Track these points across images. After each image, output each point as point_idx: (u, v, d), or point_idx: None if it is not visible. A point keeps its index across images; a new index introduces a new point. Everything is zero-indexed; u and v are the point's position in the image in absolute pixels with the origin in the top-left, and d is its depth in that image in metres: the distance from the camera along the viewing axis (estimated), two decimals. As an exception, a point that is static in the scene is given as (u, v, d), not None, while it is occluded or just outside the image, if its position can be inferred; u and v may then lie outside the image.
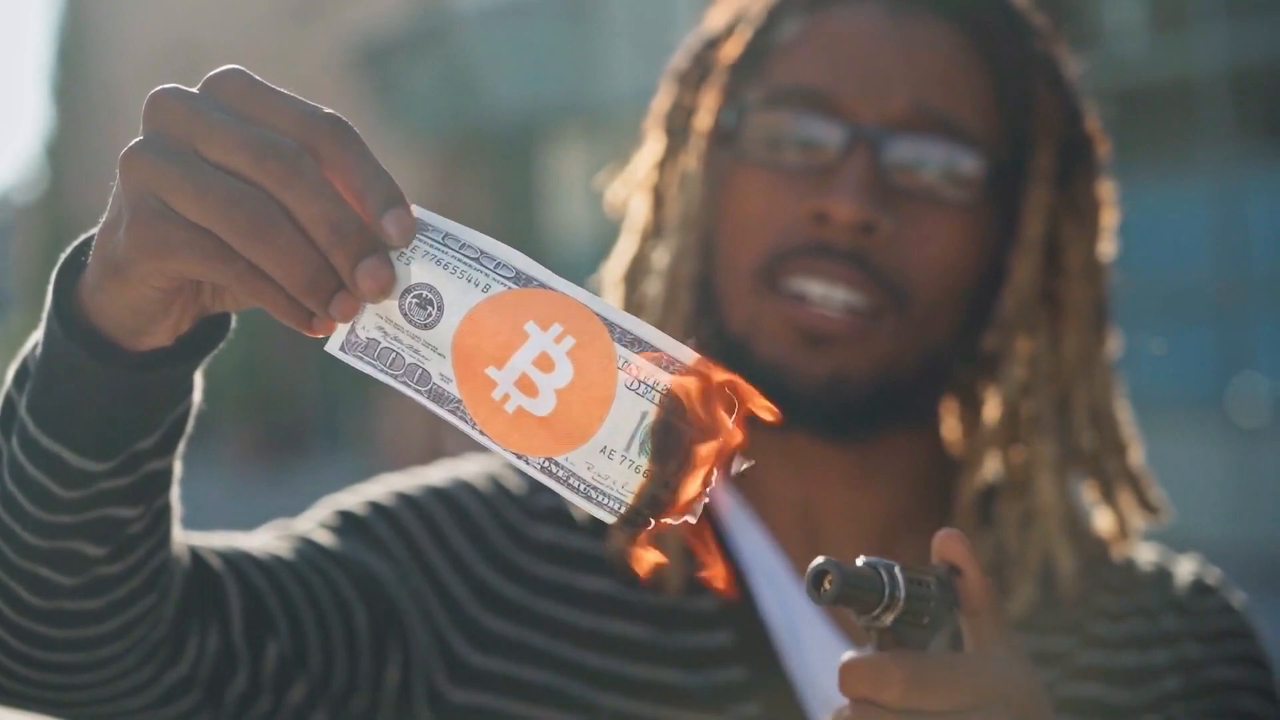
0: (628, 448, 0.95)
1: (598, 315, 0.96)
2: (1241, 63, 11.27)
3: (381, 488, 1.52)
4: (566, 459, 0.96)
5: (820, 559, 0.99)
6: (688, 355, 0.96)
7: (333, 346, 0.98)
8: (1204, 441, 11.27)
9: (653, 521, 0.96)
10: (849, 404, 1.46)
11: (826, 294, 1.45)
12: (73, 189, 26.07)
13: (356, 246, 0.95)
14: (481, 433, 0.96)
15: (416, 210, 0.97)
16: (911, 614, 1.02)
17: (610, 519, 0.96)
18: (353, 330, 0.97)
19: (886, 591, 1.01)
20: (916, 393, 1.51)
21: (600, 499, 0.96)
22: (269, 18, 22.49)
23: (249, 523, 1.53)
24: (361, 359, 0.97)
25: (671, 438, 0.95)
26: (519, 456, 0.96)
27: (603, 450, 0.96)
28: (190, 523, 1.26)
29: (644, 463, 0.95)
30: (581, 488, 0.96)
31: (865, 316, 1.45)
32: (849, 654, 1.03)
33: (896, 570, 1.01)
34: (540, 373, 0.95)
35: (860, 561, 1.02)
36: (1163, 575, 1.56)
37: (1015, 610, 1.50)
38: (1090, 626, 1.52)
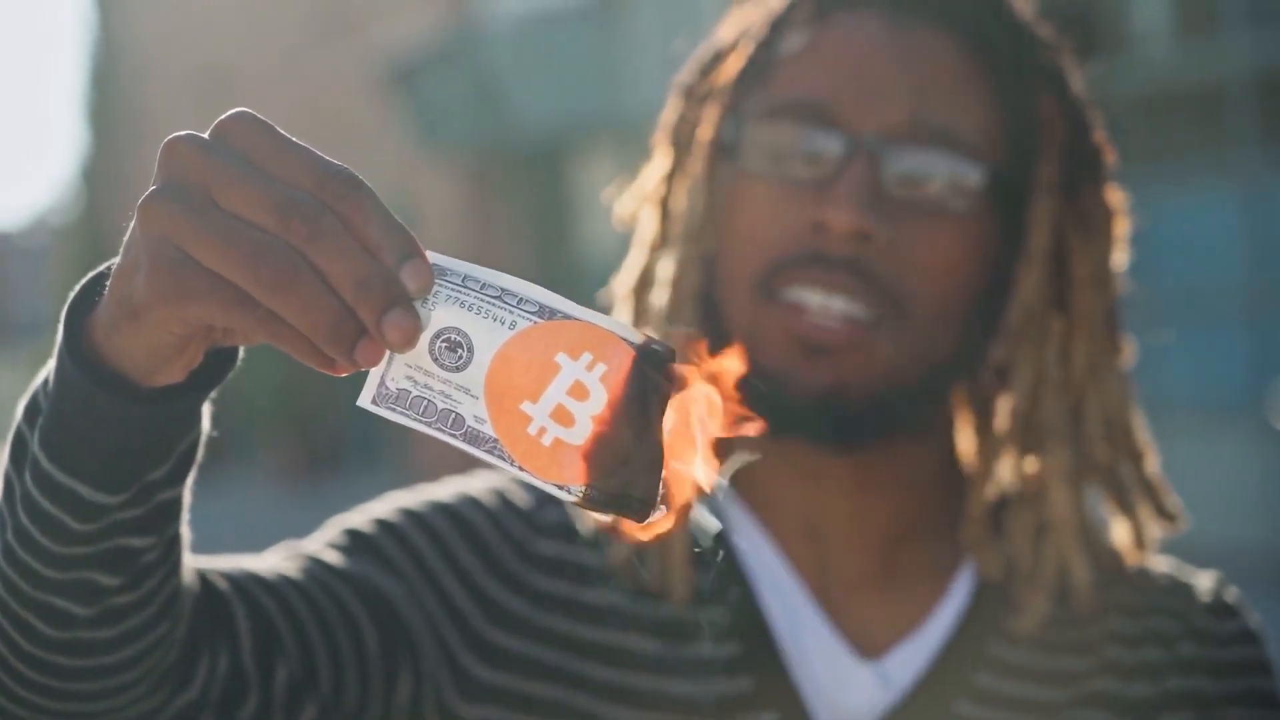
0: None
1: (622, 339, 0.97)
2: (1269, 67, 11.22)
3: (388, 505, 1.53)
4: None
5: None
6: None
7: (364, 401, 0.99)
8: (1240, 446, 11.20)
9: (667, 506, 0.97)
10: (849, 413, 1.46)
11: (825, 303, 1.45)
12: (108, 212, 26.13)
13: (381, 301, 0.95)
14: (521, 469, 0.97)
15: (433, 256, 0.98)
16: None
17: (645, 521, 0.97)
18: (382, 383, 0.98)
19: None
20: (919, 403, 1.50)
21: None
22: (298, 38, 22.54)
23: (286, 538, 1.54)
24: (394, 410, 0.98)
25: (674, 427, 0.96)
26: (560, 488, 0.97)
27: None
28: (226, 539, 1.26)
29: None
30: None
31: (864, 326, 1.45)
32: None
33: None
34: (576, 401, 0.96)
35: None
36: (1181, 596, 1.55)
37: (1028, 626, 1.51)
38: (1105, 650, 1.52)
